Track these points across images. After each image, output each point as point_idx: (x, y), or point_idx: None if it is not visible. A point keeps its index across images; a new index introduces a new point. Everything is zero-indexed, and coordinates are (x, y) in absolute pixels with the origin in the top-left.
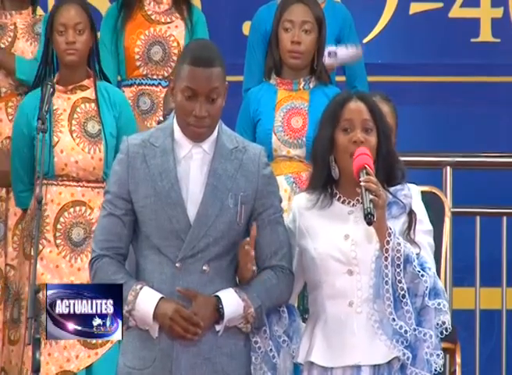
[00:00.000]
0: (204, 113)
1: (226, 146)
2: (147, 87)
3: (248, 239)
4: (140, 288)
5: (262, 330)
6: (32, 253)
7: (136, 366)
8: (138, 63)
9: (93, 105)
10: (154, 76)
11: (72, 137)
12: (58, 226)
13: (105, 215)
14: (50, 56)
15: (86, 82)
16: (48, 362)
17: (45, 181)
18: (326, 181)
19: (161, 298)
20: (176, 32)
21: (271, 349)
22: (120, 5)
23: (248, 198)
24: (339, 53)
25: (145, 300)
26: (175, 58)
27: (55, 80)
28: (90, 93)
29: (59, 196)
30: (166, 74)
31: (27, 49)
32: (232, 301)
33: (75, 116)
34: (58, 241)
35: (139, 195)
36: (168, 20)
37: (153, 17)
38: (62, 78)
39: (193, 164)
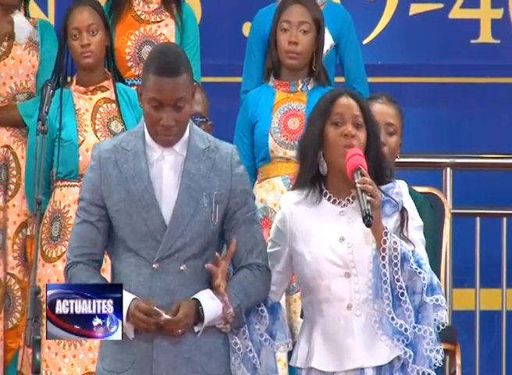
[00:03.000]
0: (172, 122)
1: (198, 146)
2: None
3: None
4: None
5: (241, 331)
6: (54, 256)
7: (115, 369)
8: (129, 64)
9: (114, 105)
10: None
11: (96, 136)
12: None
13: (79, 222)
14: (64, 61)
15: (105, 83)
16: (73, 364)
17: (67, 183)
18: (314, 177)
19: (134, 298)
20: (167, 31)
21: (250, 350)
22: (110, 8)
23: (222, 196)
24: None
25: None
26: None
27: (74, 82)
28: (109, 94)
29: None
30: None
31: (25, 58)
32: (211, 303)
33: (98, 115)
34: None
35: (113, 200)
36: (158, 19)
37: (143, 17)
38: (80, 80)
39: (166, 165)
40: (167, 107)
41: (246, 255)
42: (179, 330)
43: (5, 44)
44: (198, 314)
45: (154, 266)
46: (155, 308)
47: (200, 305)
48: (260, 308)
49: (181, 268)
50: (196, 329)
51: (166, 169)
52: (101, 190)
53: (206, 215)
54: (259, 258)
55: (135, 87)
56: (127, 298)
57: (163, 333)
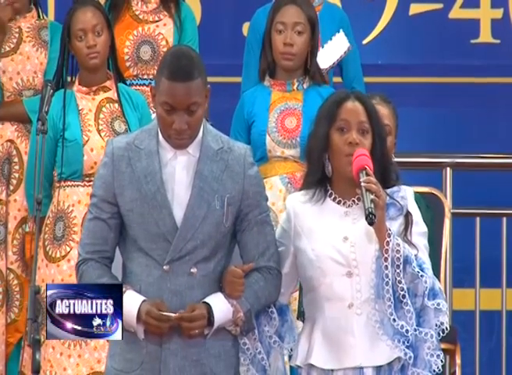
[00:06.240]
0: (184, 126)
1: (211, 147)
2: (138, 87)
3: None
4: (124, 292)
5: (251, 332)
6: (58, 256)
7: (124, 368)
8: (128, 64)
9: (116, 105)
10: (145, 76)
11: (100, 135)
12: None
13: (91, 218)
14: (67, 62)
15: (107, 83)
16: (79, 364)
17: (70, 183)
18: (321, 178)
19: (144, 300)
20: (165, 30)
21: (260, 351)
22: (108, 8)
23: (234, 199)
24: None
25: (128, 303)
26: None
27: (76, 83)
28: (112, 94)
29: (87, 197)
30: None
31: (33, 55)
32: (221, 307)
33: (101, 115)
34: None
35: (125, 199)
36: (157, 19)
37: (141, 17)
38: (83, 80)
39: (179, 166)
40: (179, 111)
41: (257, 258)
42: (196, 331)
43: (14, 40)
44: (209, 318)
45: (164, 267)
46: (165, 313)
47: (211, 309)
48: (270, 309)
49: (191, 270)
50: (205, 331)
51: (179, 170)
52: (114, 187)
53: (218, 217)
54: (270, 261)
55: (149, 88)
56: (137, 299)
57: (177, 335)
